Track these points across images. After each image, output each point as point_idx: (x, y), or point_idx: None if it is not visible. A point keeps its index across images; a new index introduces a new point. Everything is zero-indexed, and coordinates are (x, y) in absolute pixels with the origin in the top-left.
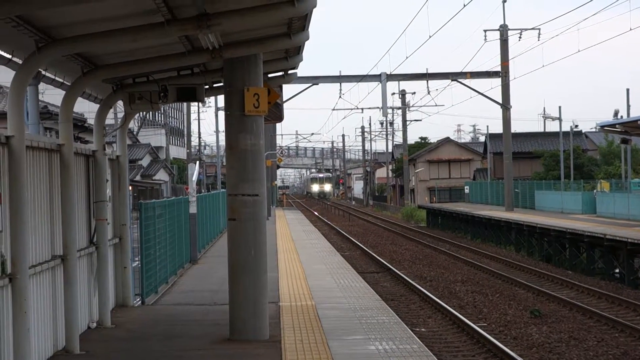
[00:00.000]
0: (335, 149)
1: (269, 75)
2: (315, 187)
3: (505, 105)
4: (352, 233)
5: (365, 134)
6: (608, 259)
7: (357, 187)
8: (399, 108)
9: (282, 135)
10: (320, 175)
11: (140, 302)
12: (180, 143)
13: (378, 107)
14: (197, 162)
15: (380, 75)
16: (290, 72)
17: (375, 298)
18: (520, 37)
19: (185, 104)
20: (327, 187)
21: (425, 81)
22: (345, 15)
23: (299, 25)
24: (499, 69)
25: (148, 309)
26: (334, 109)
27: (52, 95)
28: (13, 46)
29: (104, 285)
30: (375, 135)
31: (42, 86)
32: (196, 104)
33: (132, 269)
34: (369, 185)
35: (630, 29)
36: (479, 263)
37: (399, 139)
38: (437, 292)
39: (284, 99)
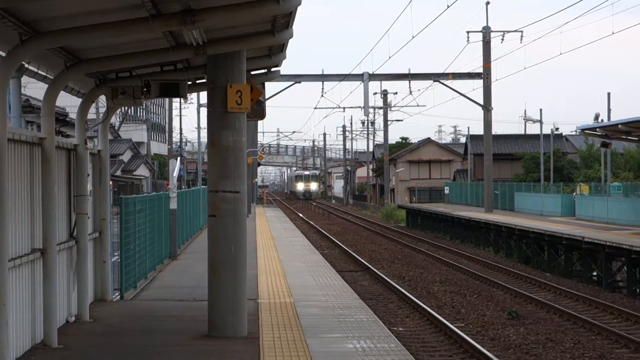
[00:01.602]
0: (316, 148)
1: (252, 73)
2: (300, 186)
3: (487, 107)
4: (331, 232)
5: (347, 133)
6: (586, 262)
7: (338, 186)
8: (380, 108)
9: (263, 132)
10: (306, 172)
11: (119, 296)
12: (162, 139)
13: (360, 107)
14: (178, 158)
15: (362, 74)
16: (273, 69)
17: (354, 297)
18: (502, 39)
19: (167, 99)
20: (314, 185)
21: (408, 81)
22: (329, 14)
23: (283, 22)
24: (481, 70)
25: (127, 303)
26: (316, 108)
27: (34, 89)
28: None
29: (83, 279)
30: (357, 135)
31: (24, 79)
32: (178, 100)
33: (112, 264)
34: (350, 185)
35: (613, 33)
36: (457, 264)
37: (380, 138)
38: (415, 292)
39: (267, 97)
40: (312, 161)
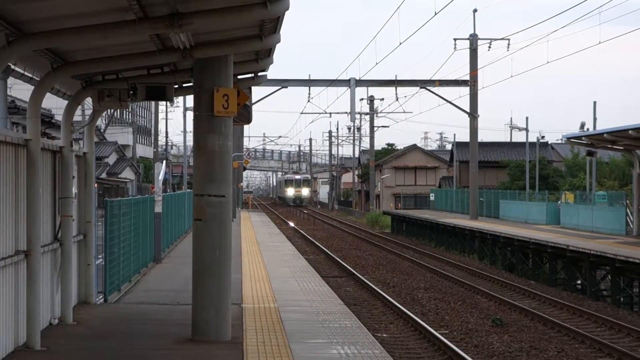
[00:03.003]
0: (302, 153)
1: (239, 77)
2: (290, 191)
3: (473, 114)
4: (316, 237)
5: (333, 138)
6: (570, 270)
7: (323, 192)
8: (366, 114)
9: (249, 137)
10: (297, 177)
11: (102, 299)
12: (147, 142)
13: (346, 112)
14: (164, 162)
15: (349, 80)
16: (260, 74)
17: (338, 302)
18: (489, 47)
19: (153, 102)
20: (305, 191)
21: (394, 88)
22: (316, 19)
23: (271, 27)
24: (467, 77)
25: (110, 307)
26: (302, 113)
27: (19, 90)
28: None
29: (67, 281)
30: (343, 140)
31: (10, 81)
32: (164, 103)
33: (96, 267)
34: (335, 190)
35: (600, 42)
36: (442, 270)
37: (366, 144)
38: (399, 298)
39: (253, 101)
40: (298, 166)
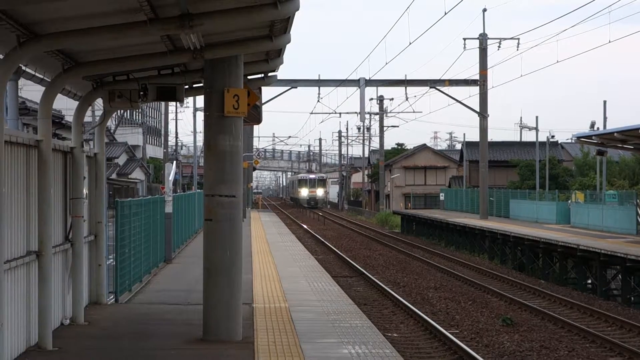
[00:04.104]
0: (311, 153)
1: (249, 77)
2: (303, 192)
3: (483, 114)
4: (326, 237)
5: (342, 138)
6: (581, 270)
7: (333, 192)
8: (376, 114)
9: (259, 137)
10: (312, 176)
11: (113, 300)
12: (157, 142)
13: (356, 112)
14: (174, 162)
15: (359, 80)
16: (270, 74)
17: (349, 302)
18: (499, 47)
19: (163, 103)
20: (320, 192)
21: (404, 87)
22: (326, 19)
23: (281, 27)
24: (477, 77)
25: (121, 307)
26: (312, 113)
27: (30, 92)
28: None
29: (78, 282)
30: (352, 140)
31: (20, 82)
32: (174, 103)
33: (107, 267)
34: (345, 190)
35: (610, 41)
36: (452, 270)
37: (375, 144)
38: (410, 298)
39: (263, 101)
40: (308, 166)
